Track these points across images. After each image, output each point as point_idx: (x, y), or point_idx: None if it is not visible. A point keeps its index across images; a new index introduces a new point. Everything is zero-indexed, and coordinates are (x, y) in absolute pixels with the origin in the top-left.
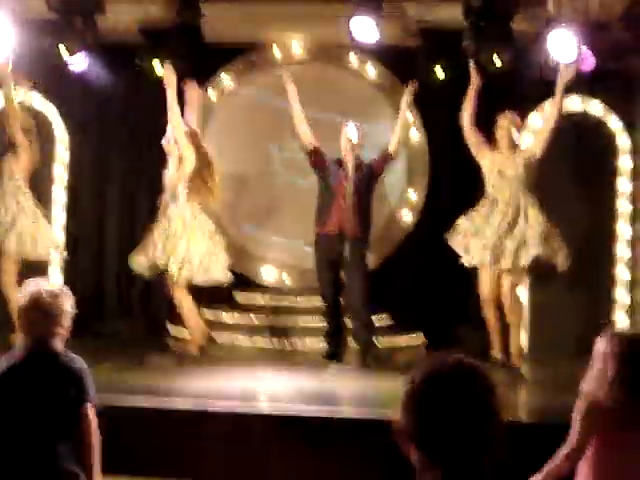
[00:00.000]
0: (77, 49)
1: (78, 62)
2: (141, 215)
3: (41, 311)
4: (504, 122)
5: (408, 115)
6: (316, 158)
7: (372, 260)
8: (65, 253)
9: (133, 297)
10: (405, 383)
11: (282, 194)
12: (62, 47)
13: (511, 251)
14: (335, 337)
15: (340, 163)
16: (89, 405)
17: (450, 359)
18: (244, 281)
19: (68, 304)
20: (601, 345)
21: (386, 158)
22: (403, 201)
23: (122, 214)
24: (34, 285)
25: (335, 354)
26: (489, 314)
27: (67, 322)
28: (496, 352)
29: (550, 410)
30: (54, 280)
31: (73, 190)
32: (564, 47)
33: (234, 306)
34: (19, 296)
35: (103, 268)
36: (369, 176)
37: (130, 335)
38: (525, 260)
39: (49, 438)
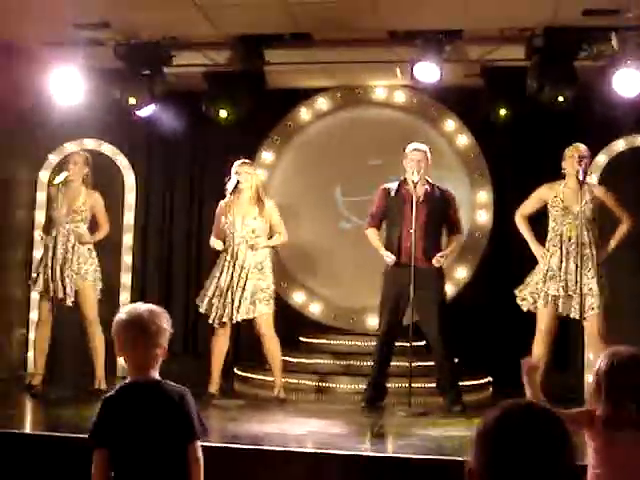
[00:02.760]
0: (145, 97)
1: (146, 110)
2: (207, 257)
3: (140, 328)
4: (570, 153)
5: None
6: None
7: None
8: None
9: (199, 338)
10: (478, 423)
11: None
12: (130, 95)
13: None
14: (379, 381)
15: (404, 189)
16: (197, 444)
17: (523, 401)
18: (308, 324)
19: (167, 323)
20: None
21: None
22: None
23: (189, 255)
24: (132, 306)
25: (375, 399)
26: (541, 349)
27: (165, 342)
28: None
29: None
30: None
31: (142, 232)
32: (628, 83)
33: (299, 349)
34: (118, 316)
35: (170, 307)
36: (441, 201)
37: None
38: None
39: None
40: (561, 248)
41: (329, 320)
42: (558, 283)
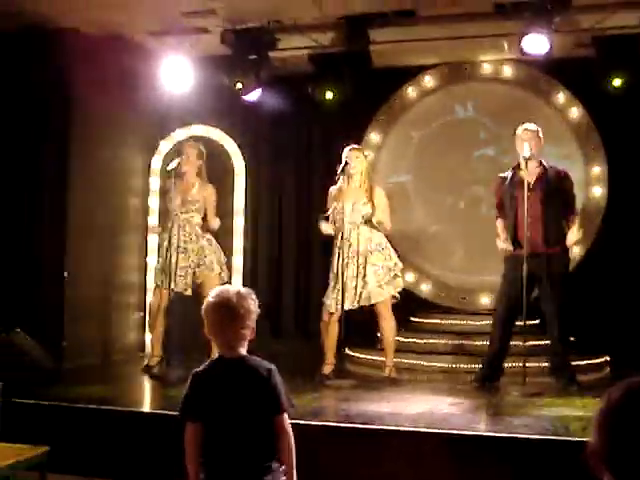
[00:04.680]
0: (251, 82)
1: (253, 94)
2: (316, 239)
3: (228, 309)
4: None
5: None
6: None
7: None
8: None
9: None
10: (601, 401)
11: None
12: (237, 81)
13: None
14: (493, 362)
15: (517, 175)
16: (285, 416)
17: None
18: (421, 304)
19: (254, 305)
20: None
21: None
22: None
23: (298, 238)
24: (221, 289)
25: (489, 377)
26: None
27: (253, 323)
28: None
29: None
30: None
31: (252, 216)
32: None
33: (410, 329)
34: (207, 299)
35: (281, 287)
36: (556, 182)
37: (309, 358)
38: None
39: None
40: None
41: (438, 299)
42: None
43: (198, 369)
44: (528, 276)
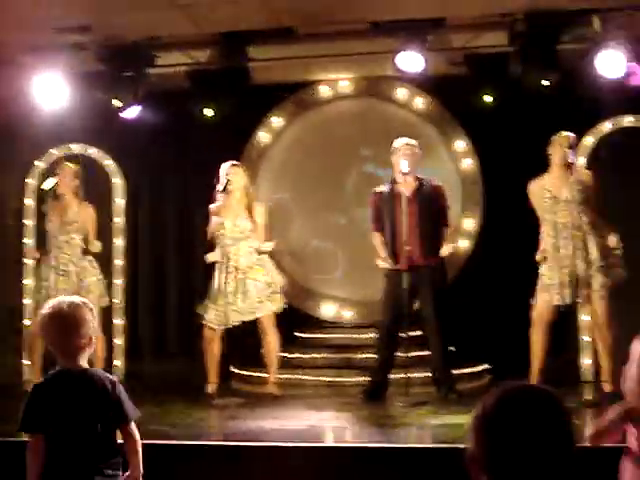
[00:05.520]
0: (129, 99)
1: (131, 111)
2: (199, 257)
3: (62, 319)
4: (558, 142)
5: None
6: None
7: None
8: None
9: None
10: (476, 408)
11: (335, 230)
12: (114, 98)
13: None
14: (381, 373)
15: (394, 189)
16: (132, 425)
17: (522, 384)
18: (305, 319)
19: (90, 315)
20: (637, 345)
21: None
22: (458, 230)
23: (181, 256)
24: (56, 300)
25: (376, 392)
26: (538, 336)
27: (89, 332)
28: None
29: None
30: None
31: (132, 235)
32: (612, 64)
33: (297, 344)
34: (42, 311)
35: (164, 309)
36: (431, 195)
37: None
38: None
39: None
40: (556, 237)
41: (323, 314)
42: (557, 273)
43: (38, 382)
44: (408, 289)
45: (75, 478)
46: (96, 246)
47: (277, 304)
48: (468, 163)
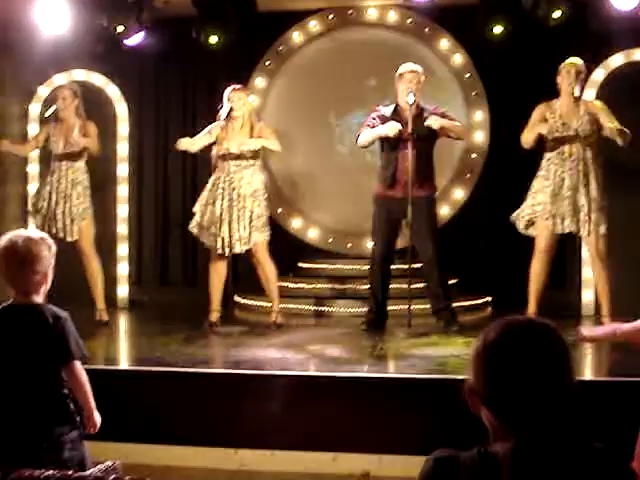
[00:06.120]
0: (133, 25)
1: (134, 38)
2: (203, 185)
3: (16, 254)
4: (566, 68)
5: None
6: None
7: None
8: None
9: (198, 268)
10: (477, 340)
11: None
12: (118, 24)
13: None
14: (377, 301)
15: (398, 116)
16: (76, 363)
17: (523, 318)
18: (306, 249)
19: (47, 251)
20: None
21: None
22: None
23: (184, 185)
24: (12, 233)
25: (377, 322)
26: (537, 266)
27: (45, 268)
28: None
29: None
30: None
31: (137, 163)
32: None
33: (298, 275)
34: None
35: (167, 238)
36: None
37: (195, 305)
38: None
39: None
40: (562, 166)
41: (326, 244)
42: (559, 202)
43: None
44: (400, 219)
45: (22, 427)
46: (91, 143)
47: (264, 235)
48: (457, 58)
